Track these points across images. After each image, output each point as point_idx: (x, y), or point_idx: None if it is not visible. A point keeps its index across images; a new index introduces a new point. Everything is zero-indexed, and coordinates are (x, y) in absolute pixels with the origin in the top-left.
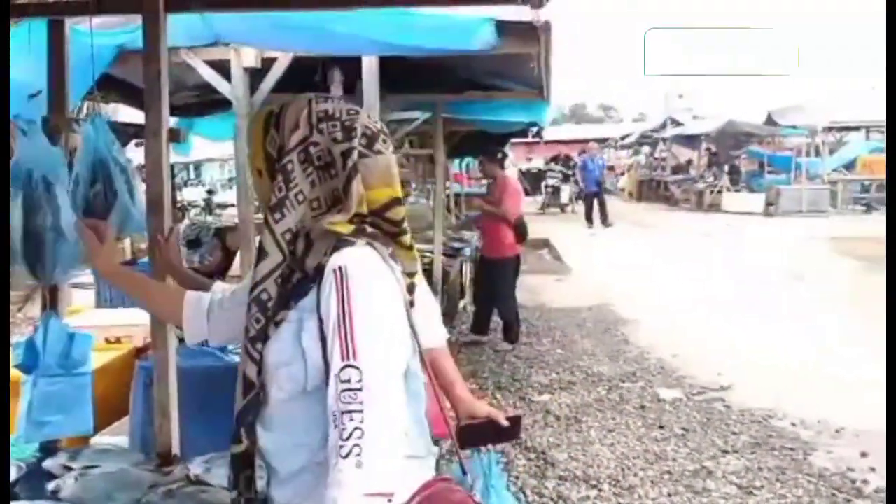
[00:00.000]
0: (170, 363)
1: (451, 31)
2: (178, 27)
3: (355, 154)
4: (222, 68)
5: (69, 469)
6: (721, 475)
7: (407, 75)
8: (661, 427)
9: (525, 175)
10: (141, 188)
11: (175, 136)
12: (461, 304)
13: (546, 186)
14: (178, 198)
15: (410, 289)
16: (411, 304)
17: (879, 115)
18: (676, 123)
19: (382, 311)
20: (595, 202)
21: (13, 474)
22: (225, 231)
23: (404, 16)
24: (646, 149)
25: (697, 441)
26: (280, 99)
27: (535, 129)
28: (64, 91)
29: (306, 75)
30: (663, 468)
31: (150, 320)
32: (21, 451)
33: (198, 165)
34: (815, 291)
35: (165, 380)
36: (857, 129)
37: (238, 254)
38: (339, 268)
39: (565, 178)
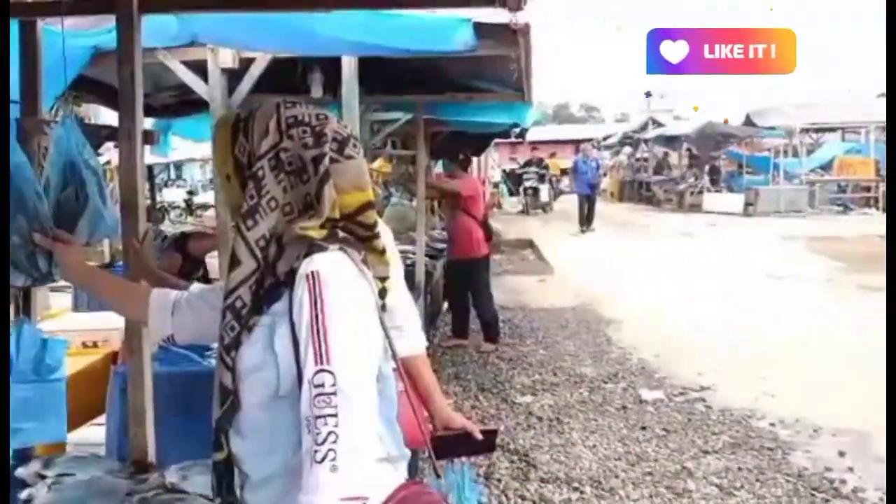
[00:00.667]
0: (145, 370)
1: (429, 32)
2: (155, 27)
3: (326, 160)
4: (200, 69)
5: (43, 477)
6: (702, 476)
7: (387, 76)
8: (643, 428)
9: (509, 176)
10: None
11: (150, 139)
12: (445, 304)
13: (525, 189)
14: (159, 199)
15: (382, 293)
16: (383, 307)
17: (855, 116)
18: (658, 124)
19: (355, 315)
20: (586, 205)
21: None
22: (185, 238)
23: (383, 17)
24: (627, 149)
25: (678, 442)
26: (259, 100)
27: (517, 130)
28: (36, 93)
29: (285, 76)
30: (644, 469)
31: (124, 325)
32: None
33: (179, 166)
34: (793, 291)
35: (141, 387)
36: (833, 130)
37: (218, 259)
38: (312, 273)
39: (541, 179)
